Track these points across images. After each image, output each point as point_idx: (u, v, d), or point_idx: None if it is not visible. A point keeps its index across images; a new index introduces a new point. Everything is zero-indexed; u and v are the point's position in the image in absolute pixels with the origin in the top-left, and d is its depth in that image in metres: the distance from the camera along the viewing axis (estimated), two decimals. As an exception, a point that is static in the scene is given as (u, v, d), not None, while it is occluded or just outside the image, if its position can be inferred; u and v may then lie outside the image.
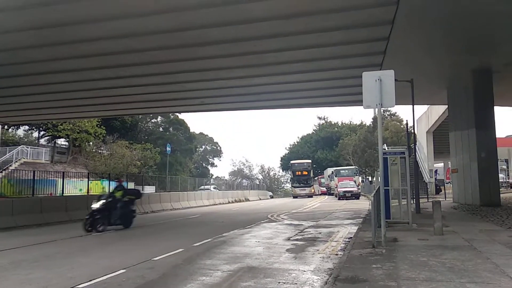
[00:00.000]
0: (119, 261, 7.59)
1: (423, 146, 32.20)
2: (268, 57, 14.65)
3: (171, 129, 56.20)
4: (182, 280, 6.20)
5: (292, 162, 52.64)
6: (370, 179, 50.07)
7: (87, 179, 26.14)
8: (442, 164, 46.55)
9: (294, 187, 47.62)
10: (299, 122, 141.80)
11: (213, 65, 15.51)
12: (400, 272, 5.84)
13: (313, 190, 47.73)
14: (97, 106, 22.59)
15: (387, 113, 50.08)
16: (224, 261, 7.64)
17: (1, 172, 21.91)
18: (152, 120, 56.12)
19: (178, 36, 12.69)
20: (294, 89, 19.15)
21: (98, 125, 40.25)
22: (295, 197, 44.53)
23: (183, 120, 55.84)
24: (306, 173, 47.77)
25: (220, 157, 76.94)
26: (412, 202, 14.36)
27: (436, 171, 24.81)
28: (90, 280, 6.07)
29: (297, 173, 48.18)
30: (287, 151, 76.49)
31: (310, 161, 52.43)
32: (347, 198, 33.14)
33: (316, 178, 59.75)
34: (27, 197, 18.66)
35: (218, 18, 11.48)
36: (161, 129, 56.87)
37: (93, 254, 8.79)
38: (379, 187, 8.66)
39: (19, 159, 32.54)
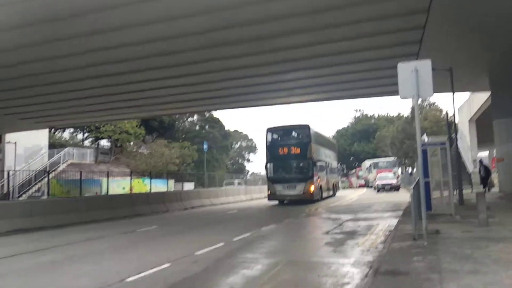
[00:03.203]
0: (163, 256, 7.91)
1: (466, 136, 30.92)
2: (299, 52, 14.59)
3: (207, 127, 57.18)
4: (225, 273, 6.40)
5: (269, 129, 24.41)
6: (410, 170, 48.72)
7: (129, 178, 27.15)
8: (487, 153, 44.48)
9: (273, 181, 23.20)
10: (334, 115, 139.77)
11: (245, 63, 15.66)
12: (443, 264, 5.72)
13: (312, 187, 22.43)
14: (135, 108, 23.37)
15: (426, 102, 48.46)
16: (263, 255, 7.79)
17: (51, 173, 23.19)
18: (189, 119, 57.33)
19: (208, 37, 12.90)
20: (326, 82, 18.93)
21: (138, 126, 41.69)
22: (272, 199, 23.42)
23: (218, 118, 56.75)
24: (299, 151, 23.05)
25: (255, 152, 77.46)
26: (455, 193, 13.97)
27: (480, 160, 23.68)
28: (138, 274, 6.39)
29: (279, 151, 23.50)
30: (322, 145, 75.71)
31: (308, 124, 24.07)
32: (386, 191, 32.49)
33: (353, 171, 58.78)
34: (75, 196, 19.67)
35: (248, 17, 11.57)
36: (197, 127, 57.99)
37: (139, 250, 9.21)
38: (419, 178, 8.50)
39: (66, 161, 34.23)
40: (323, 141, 27.93)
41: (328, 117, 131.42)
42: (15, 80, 16.47)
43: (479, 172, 21.80)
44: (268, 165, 23.43)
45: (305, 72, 17.27)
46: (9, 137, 28.68)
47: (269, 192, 23.14)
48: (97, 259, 8.10)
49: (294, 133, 25.02)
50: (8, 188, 17.92)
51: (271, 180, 23.10)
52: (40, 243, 10.70)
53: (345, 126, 75.58)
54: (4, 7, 10.51)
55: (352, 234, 9.93)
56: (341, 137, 72.46)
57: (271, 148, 23.84)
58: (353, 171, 58.89)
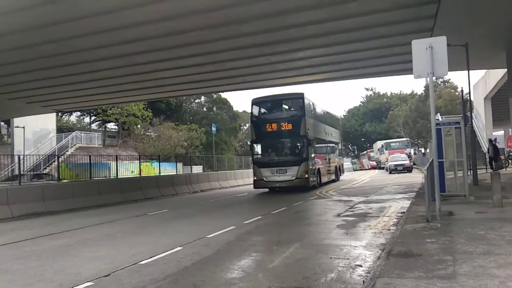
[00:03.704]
0: (175, 239, 7.94)
1: (481, 114, 30.33)
2: (310, 29, 14.25)
3: (214, 108, 56.97)
4: (236, 256, 6.39)
5: (254, 101, 20.43)
6: (423, 150, 48.25)
7: (138, 161, 27.29)
8: (503, 132, 43.74)
9: (259, 165, 19.49)
10: (345, 94, 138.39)
11: (255, 42, 15.35)
12: (456, 246, 5.66)
13: (307, 171, 18.69)
14: (143, 90, 23.27)
15: (440, 80, 47.42)
16: (274, 238, 7.77)
17: (60, 157, 23.43)
18: (196, 101, 57.16)
19: (217, 15, 12.63)
20: (338, 61, 18.59)
21: (145, 108, 41.70)
22: (259, 186, 19.62)
23: (226, 99, 56.35)
24: (291, 127, 19.05)
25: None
26: (469, 173, 13.74)
27: (495, 139, 23.12)
28: (151, 257, 6.42)
29: (267, 127, 19.44)
30: (333, 125, 75.09)
31: (301, 93, 19.87)
32: (398, 172, 32.25)
33: (364, 152, 58.40)
34: (85, 180, 19.84)
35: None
36: (205, 109, 57.86)
37: (151, 233, 9.26)
38: (432, 159, 8.32)
39: (74, 144, 34.54)
40: (321, 115, 23.72)
41: (339, 96, 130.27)
42: (21, 63, 16.43)
43: (487, 151, 20.79)
44: (254, 145, 19.81)
45: (315, 51, 16.94)
46: (18, 121, 28.93)
47: (255, 178, 19.48)
48: (110, 243, 8.17)
49: (284, 105, 20.85)
50: (20, 172, 18.14)
51: (257, 164, 19.37)
52: (53, 227, 10.85)
53: (356, 105, 74.61)
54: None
55: (364, 217, 9.85)
56: (352, 116, 71.78)
57: (256, 125, 19.96)
58: (364, 152, 58.46)
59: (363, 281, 4.70)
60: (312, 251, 6.44)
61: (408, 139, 45.70)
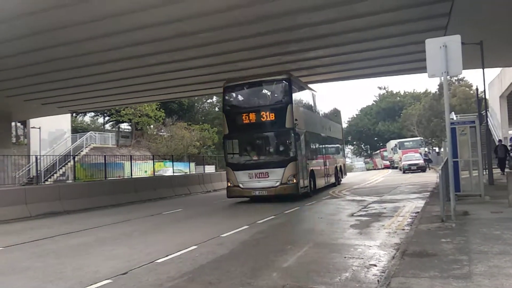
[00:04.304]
0: (190, 238, 8.05)
1: (496, 113, 29.84)
2: (321, 29, 14.23)
3: (227, 108, 56.94)
4: (251, 255, 6.47)
5: (227, 85, 16.00)
6: (437, 150, 47.65)
7: (151, 161, 27.54)
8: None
9: (234, 167, 15.23)
10: (358, 94, 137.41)
11: (265, 42, 15.38)
12: (472, 246, 5.64)
13: (295, 175, 14.39)
14: (155, 91, 23.49)
15: (455, 78, 46.73)
16: (288, 237, 7.81)
17: (74, 157, 23.83)
18: (208, 101, 57.38)
19: (228, 16, 12.70)
20: (350, 60, 18.50)
21: (158, 109, 42.07)
22: (233, 195, 15.33)
23: (238, 99, 56.36)
24: (273, 117, 14.82)
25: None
26: (484, 173, 13.58)
27: (500, 139, 22.53)
28: (167, 256, 6.52)
29: (243, 119, 15.22)
30: (346, 125, 74.76)
31: (288, 74, 15.62)
32: (412, 171, 31.93)
33: (377, 151, 57.93)
34: (100, 180, 20.12)
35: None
36: (217, 109, 58.00)
37: (166, 232, 9.39)
38: (447, 158, 8.27)
39: (88, 145, 34.99)
40: (317, 104, 19.32)
41: (351, 95, 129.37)
42: (35, 65, 16.73)
43: (495, 152, 18.50)
44: (227, 141, 15.53)
45: (326, 50, 16.89)
46: (33, 122, 29.44)
47: (228, 184, 15.13)
48: (126, 241, 8.32)
49: (266, 90, 16.15)
50: (37, 172, 18.48)
51: (231, 166, 15.10)
52: (71, 225, 11.09)
53: (369, 104, 73.94)
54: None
55: (377, 216, 9.82)
56: (365, 115, 71.14)
57: (230, 115, 15.54)
58: (377, 151, 57.96)
59: (378, 281, 4.71)
60: (326, 250, 6.46)
61: (422, 138, 45.09)
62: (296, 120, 14.67)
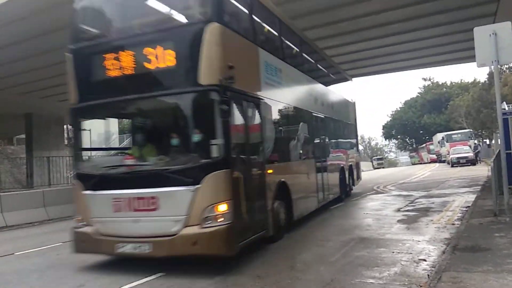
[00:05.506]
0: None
1: (553, 101, 27.98)
2: (363, 22, 14.03)
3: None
4: (298, 249, 6.59)
5: (80, 4, 6.73)
6: (487, 142, 45.25)
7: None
8: None
9: (84, 183, 6.43)
10: (402, 86, 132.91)
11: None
12: (528, 240, 5.43)
13: (221, 201, 5.38)
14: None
15: (505, 66, 44.01)
16: (334, 233, 7.83)
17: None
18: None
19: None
20: (393, 51, 18.09)
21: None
22: (82, 249, 6.32)
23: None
24: (172, 57, 5.62)
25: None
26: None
27: None
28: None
29: (105, 68, 6.21)
30: (389, 119, 72.61)
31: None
32: (461, 165, 30.58)
33: (423, 145, 55.93)
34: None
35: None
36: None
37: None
38: (499, 150, 7.96)
39: (135, 146, 36.33)
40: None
41: (394, 87, 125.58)
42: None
43: None
44: (75, 121, 7.86)
45: (368, 43, 16.62)
46: (84, 124, 30.99)
47: (77, 221, 6.50)
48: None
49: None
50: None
51: (82, 180, 6.68)
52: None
53: (414, 96, 71.17)
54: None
55: (425, 211, 9.61)
56: (409, 108, 68.59)
57: (82, 64, 6.88)
58: (423, 145, 55.88)
59: (428, 275, 4.67)
60: (373, 245, 6.45)
61: (471, 130, 42.91)
62: (231, 66, 5.70)
